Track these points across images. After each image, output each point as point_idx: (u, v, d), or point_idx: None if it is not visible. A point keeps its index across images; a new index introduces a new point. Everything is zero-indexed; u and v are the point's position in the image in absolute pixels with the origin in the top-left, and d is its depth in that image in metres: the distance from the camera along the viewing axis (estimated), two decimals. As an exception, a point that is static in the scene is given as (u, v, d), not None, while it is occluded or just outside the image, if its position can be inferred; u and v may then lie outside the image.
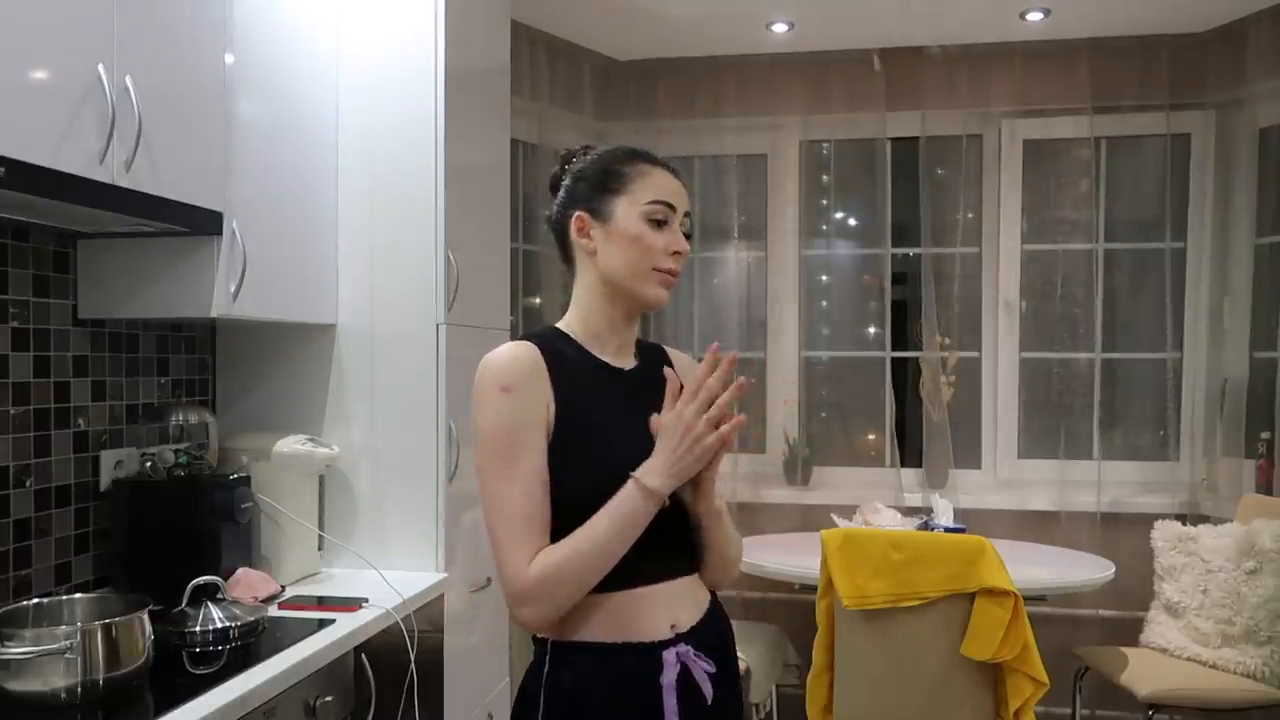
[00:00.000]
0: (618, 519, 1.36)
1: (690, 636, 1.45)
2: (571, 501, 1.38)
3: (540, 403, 1.41)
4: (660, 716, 1.40)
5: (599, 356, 1.51)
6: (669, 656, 1.41)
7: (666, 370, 1.43)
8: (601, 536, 1.36)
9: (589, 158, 1.54)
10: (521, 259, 3.91)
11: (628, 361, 1.54)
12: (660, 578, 1.44)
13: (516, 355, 1.43)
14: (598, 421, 1.44)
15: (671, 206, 1.48)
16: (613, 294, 1.50)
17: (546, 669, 1.43)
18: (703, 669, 1.44)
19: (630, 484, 1.37)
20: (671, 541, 1.46)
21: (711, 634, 1.51)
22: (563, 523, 1.39)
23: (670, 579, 1.46)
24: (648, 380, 1.49)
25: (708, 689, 1.44)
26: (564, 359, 1.46)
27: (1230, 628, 3.09)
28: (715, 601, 1.57)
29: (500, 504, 1.38)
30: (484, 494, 1.41)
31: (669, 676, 1.41)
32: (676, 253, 1.47)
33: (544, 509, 1.39)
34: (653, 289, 1.48)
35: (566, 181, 1.54)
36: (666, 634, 1.43)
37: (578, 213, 1.50)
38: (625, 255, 1.47)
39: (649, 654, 1.41)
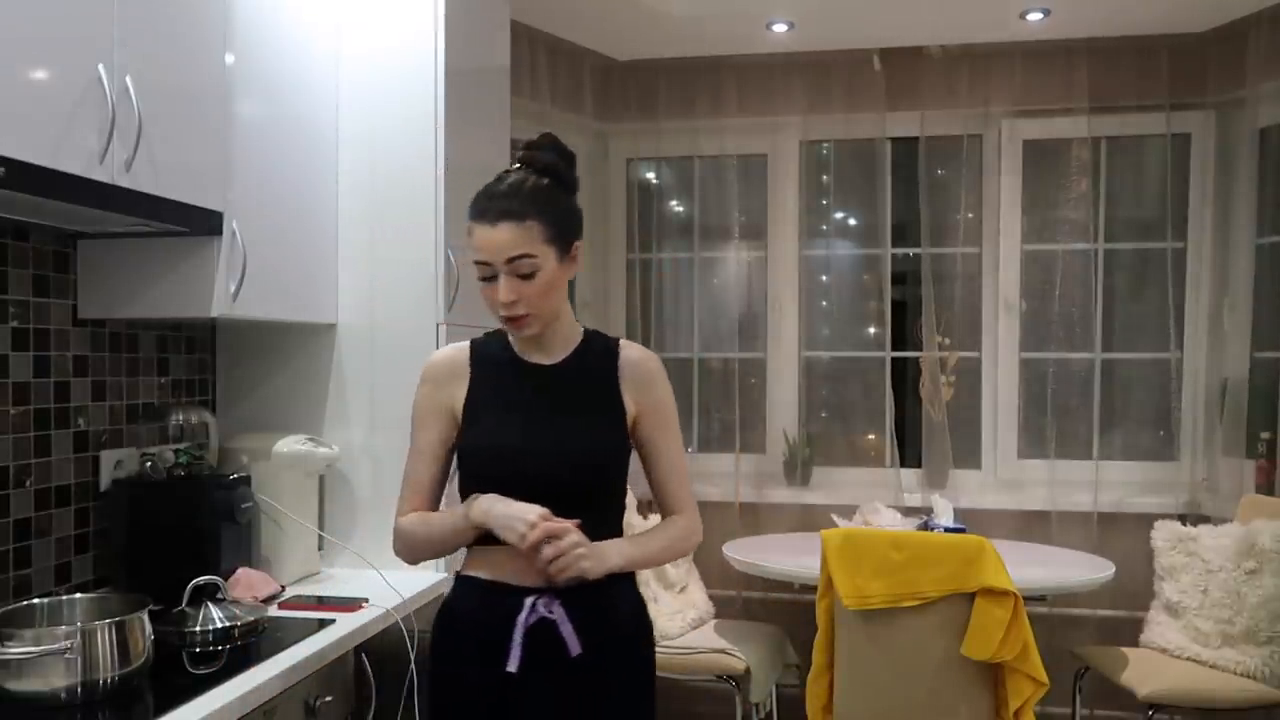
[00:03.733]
0: (446, 525, 1.73)
1: (564, 593, 1.66)
2: (470, 470, 1.73)
3: (447, 395, 1.76)
4: (504, 644, 1.65)
5: (522, 355, 1.76)
6: (528, 600, 1.66)
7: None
8: (435, 530, 1.74)
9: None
10: (521, 259, 3.90)
11: (554, 358, 1.76)
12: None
13: (441, 358, 1.80)
14: (498, 408, 1.73)
15: (487, 263, 1.65)
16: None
17: (447, 593, 1.79)
18: (569, 623, 1.65)
19: (464, 504, 1.69)
20: (555, 514, 1.63)
21: (595, 599, 1.69)
22: (467, 489, 1.72)
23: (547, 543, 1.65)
24: (572, 372, 1.76)
25: (572, 643, 1.65)
26: (487, 357, 1.78)
27: (1230, 628, 3.09)
28: (624, 579, 1.76)
29: (405, 472, 1.79)
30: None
31: (523, 616, 1.66)
32: (505, 302, 1.64)
33: (429, 476, 1.77)
34: (512, 330, 1.71)
35: None
36: (538, 583, 1.66)
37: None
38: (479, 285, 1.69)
39: (514, 595, 1.68)
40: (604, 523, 1.73)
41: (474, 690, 1.69)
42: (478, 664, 1.68)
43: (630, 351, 1.80)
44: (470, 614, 1.72)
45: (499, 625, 1.67)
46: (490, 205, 1.64)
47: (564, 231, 1.68)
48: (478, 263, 1.66)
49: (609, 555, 1.68)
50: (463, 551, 1.78)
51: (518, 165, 1.71)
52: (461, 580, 1.77)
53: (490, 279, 1.65)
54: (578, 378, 1.75)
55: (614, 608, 1.74)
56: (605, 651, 1.70)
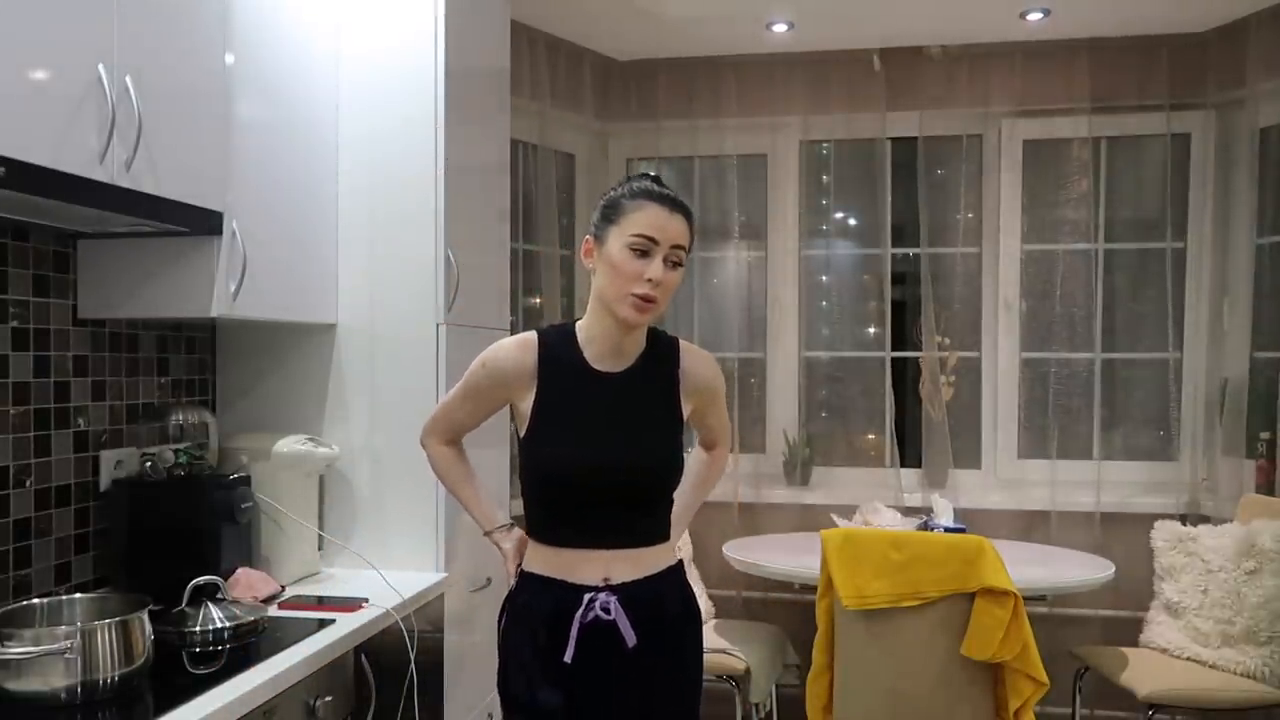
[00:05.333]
0: (466, 499, 2.00)
1: (621, 590, 1.79)
2: (535, 478, 1.82)
3: (508, 393, 1.85)
4: (564, 640, 1.77)
5: (590, 361, 1.83)
6: (587, 597, 1.78)
7: None
8: (457, 491, 2.01)
9: (616, 189, 1.81)
10: (521, 259, 3.91)
11: (620, 365, 1.84)
12: (598, 546, 1.80)
13: (510, 358, 1.84)
14: (565, 420, 1.81)
15: (654, 240, 1.72)
16: (603, 308, 1.79)
17: (513, 586, 1.89)
18: (625, 617, 1.77)
19: (494, 519, 1.98)
20: (615, 525, 1.80)
21: (648, 593, 1.82)
22: (530, 493, 1.85)
23: (608, 548, 1.80)
24: (637, 382, 1.84)
25: (629, 635, 1.77)
26: (558, 360, 1.83)
27: (1230, 628, 3.09)
28: (672, 571, 1.89)
29: (448, 401, 1.97)
30: (454, 387, 1.95)
31: (581, 611, 1.77)
32: (651, 280, 1.72)
33: (463, 422, 1.96)
34: (625, 310, 1.75)
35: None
36: (598, 583, 1.79)
37: (587, 236, 1.81)
38: (608, 278, 1.76)
39: (575, 593, 1.79)
40: (660, 516, 1.88)
41: (538, 677, 1.80)
42: (541, 654, 1.80)
43: (691, 360, 1.91)
44: (534, 607, 1.83)
45: (560, 619, 1.79)
46: (665, 194, 1.76)
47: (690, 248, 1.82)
48: (642, 236, 1.72)
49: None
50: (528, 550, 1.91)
51: (656, 175, 1.84)
52: (526, 576, 1.87)
53: (643, 254, 1.72)
54: (643, 388, 1.85)
55: (666, 600, 1.85)
56: (658, 641, 1.82)
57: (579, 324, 1.85)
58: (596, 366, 1.83)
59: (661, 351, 1.89)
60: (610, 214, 1.77)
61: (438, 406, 2.00)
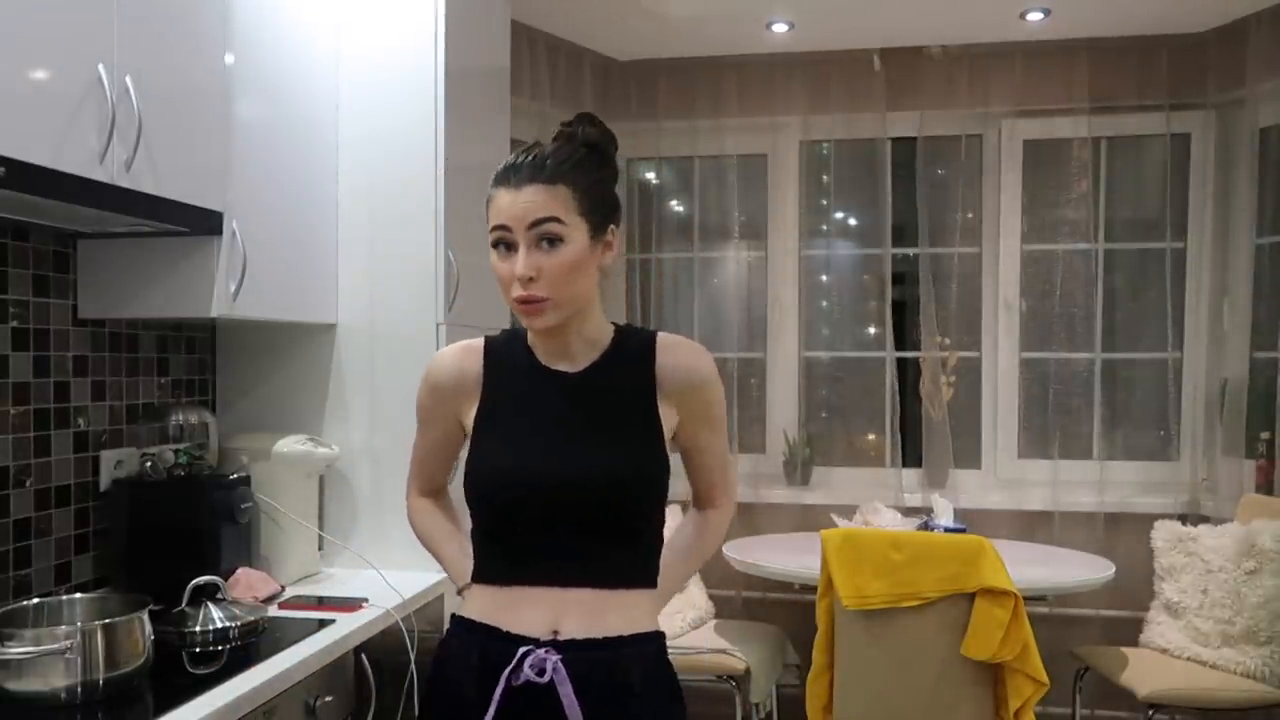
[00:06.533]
0: (439, 558, 1.66)
1: (569, 648, 1.42)
2: (470, 498, 1.51)
3: (452, 409, 1.57)
4: (485, 703, 1.41)
5: (542, 361, 1.53)
6: (521, 651, 1.42)
7: None
8: (426, 547, 1.69)
9: None
10: (521, 259, 3.91)
11: (578, 365, 1.52)
12: (545, 582, 1.45)
13: (448, 366, 1.57)
14: (506, 427, 1.51)
15: (508, 229, 1.42)
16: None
17: (444, 634, 1.56)
18: (569, 684, 1.39)
19: (458, 578, 1.59)
20: (567, 554, 1.45)
21: (607, 660, 1.43)
22: (473, 520, 1.54)
23: (558, 585, 1.45)
24: (598, 381, 1.51)
25: (572, 711, 1.39)
26: (503, 363, 1.55)
27: (1230, 628, 3.09)
28: (646, 639, 1.49)
29: (414, 445, 1.69)
30: None
31: (510, 670, 1.40)
32: (520, 277, 1.40)
33: (435, 463, 1.67)
34: (525, 321, 1.47)
35: None
36: (541, 634, 1.43)
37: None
38: (498, 274, 1.47)
39: (508, 644, 1.43)
40: (633, 550, 1.50)
41: None
42: (463, 717, 1.43)
43: (671, 355, 1.54)
44: (455, 663, 1.48)
45: (487, 675, 1.42)
46: (517, 169, 1.43)
47: (598, 206, 1.45)
48: (495, 229, 1.43)
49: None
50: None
51: (554, 136, 1.50)
52: (455, 621, 1.53)
53: (508, 249, 1.43)
54: (607, 388, 1.50)
55: (632, 674, 1.45)
56: None
57: None
58: (550, 365, 1.52)
59: (632, 348, 1.54)
60: (486, 214, 1.47)
61: (410, 472, 1.72)
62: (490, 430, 1.51)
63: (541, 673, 1.40)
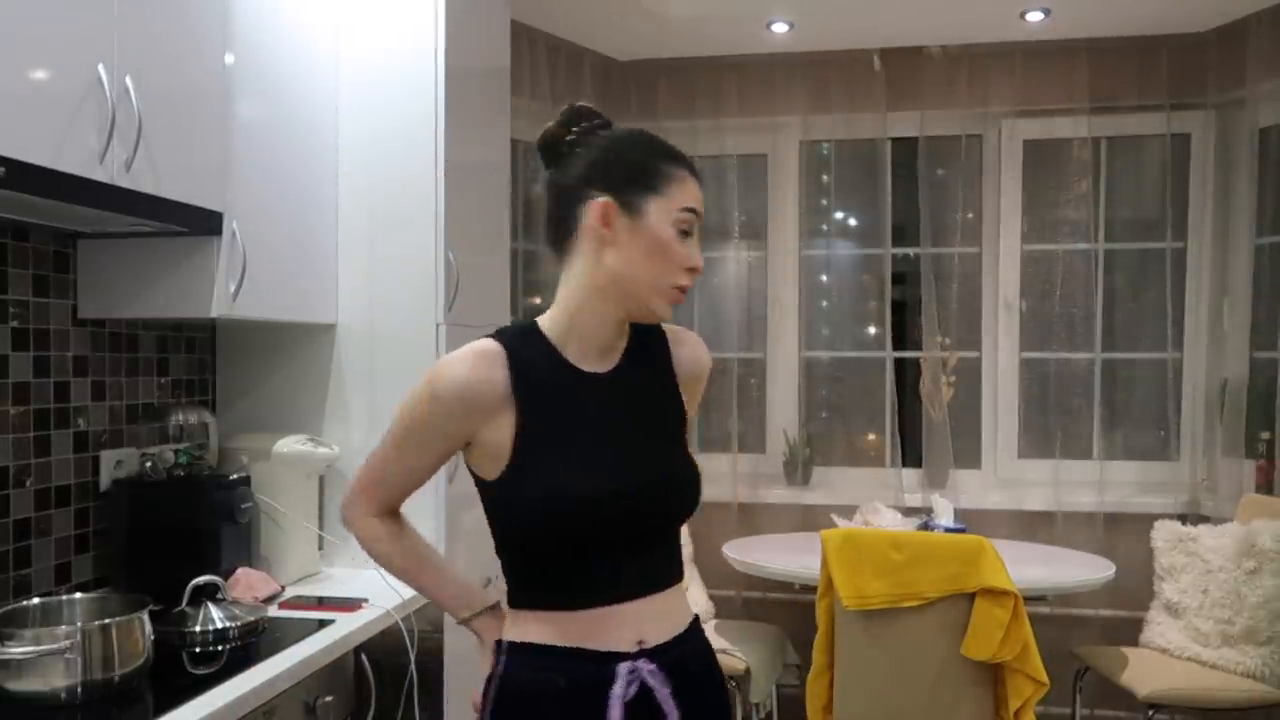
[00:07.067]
0: (425, 589, 1.53)
1: (659, 654, 1.40)
2: (529, 527, 1.37)
3: (472, 426, 1.38)
4: None
5: (573, 362, 1.41)
6: (622, 669, 1.37)
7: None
8: (403, 577, 1.52)
9: (614, 136, 1.42)
10: (521, 259, 3.91)
11: (607, 364, 1.44)
12: (628, 598, 1.40)
13: (472, 380, 1.37)
14: (560, 442, 1.38)
15: (699, 216, 1.39)
16: (618, 295, 1.38)
17: (501, 669, 1.43)
18: (665, 691, 1.39)
19: (463, 609, 1.50)
20: (644, 566, 1.42)
21: (684, 656, 1.44)
22: (520, 547, 1.41)
23: (639, 598, 1.41)
24: (632, 381, 1.45)
25: (671, 712, 1.39)
26: (531, 372, 1.39)
27: (1230, 628, 3.09)
28: (697, 624, 1.51)
29: (378, 457, 1.47)
30: (381, 440, 1.47)
31: (619, 689, 1.36)
32: (695, 269, 1.39)
33: (408, 485, 1.48)
34: (662, 304, 1.39)
35: (586, 154, 1.40)
36: (630, 649, 1.39)
37: (604, 198, 1.36)
38: (648, 260, 1.36)
39: (603, 664, 1.37)
40: (678, 549, 1.50)
41: None
42: None
43: (682, 346, 1.52)
44: (546, 693, 1.39)
45: (580, 699, 1.38)
46: (685, 157, 1.41)
47: None
48: (687, 210, 1.38)
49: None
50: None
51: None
52: (520, 650, 1.42)
53: (686, 234, 1.38)
54: (638, 386, 1.45)
55: (697, 662, 1.48)
56: (699, 713, 1.44)
57: (541, 320, 1.45)
58: (581, 366, 1.42)
59: (647, 340, 1.49)
60: (648, 179, 1.36)
61: (358, 472, 1.50)
62: (546, 450, 1.37)
63: (643, 684, 1.38)
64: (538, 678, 1.39)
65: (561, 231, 1.42)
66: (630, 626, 1.39)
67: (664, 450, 1.45)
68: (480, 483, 1.42)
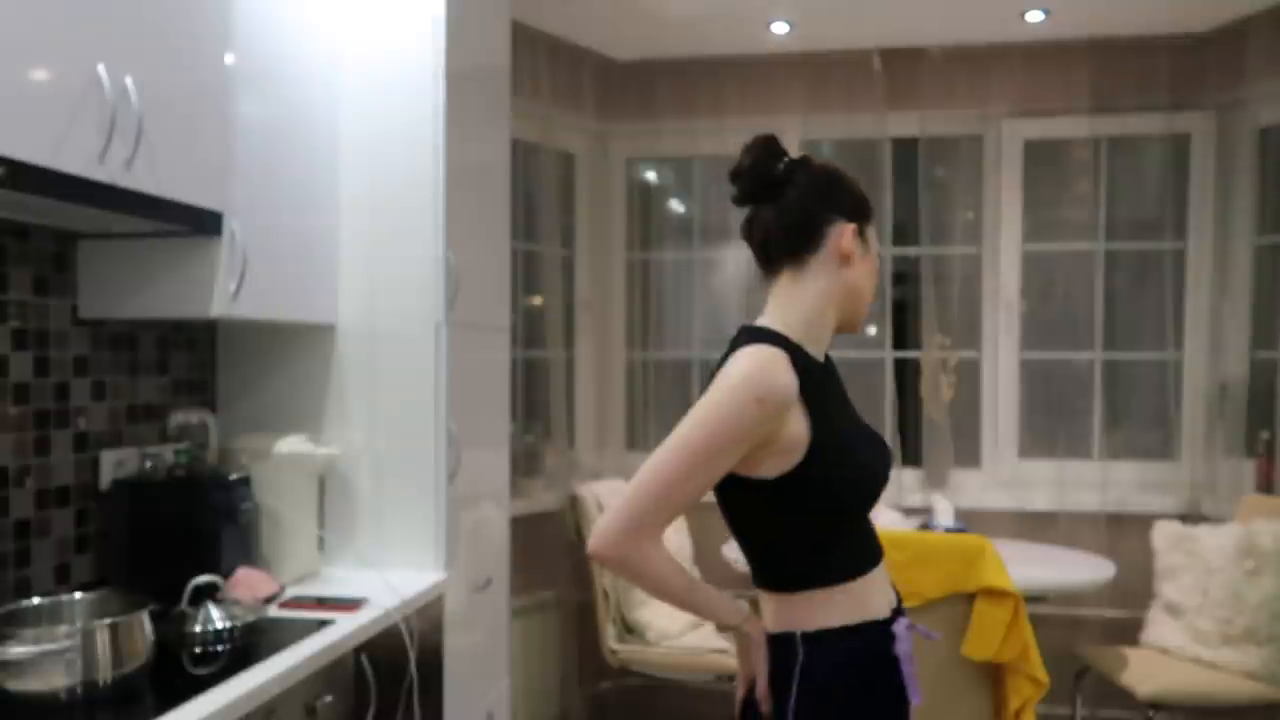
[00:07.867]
0: (698, 605, 1.55)
1: (900, 613, 1.61)
2: (836, 505, 1.52)
3: (776, 425, 1.47)
4: (899, 687, 1.56)
5: (813, 353, 1.60)
6: (899, 628, 1.56)
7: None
8: (675, 598, 1.52)
9: (834, 169, 1.66)
10: (521, 259, 3.91)
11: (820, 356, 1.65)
12: (879, 559, 1.59)
13: (788, 377, 1.48)
14: (843, 421, 1.59)
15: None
16: (849, 306, 1.62)
17: (800, 661, 1.52)
18: (923, 634, 1.65)
19: (736, 615, 1.57)
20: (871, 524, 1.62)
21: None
22: (814, 529, 1.52)
23: (882, 558, 1.61)
24: (836, 371, 1.69)
25: (910, 670, 1.58)
26: (807, 371, 1.53)
27: (1230, 628, 3.09)
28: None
29: (662, 479, 1.45)
30: (663, 453, 1.46)
31: (904, 646, 1.55)
32: None
33: (682, 506, 1.47)
34: (862, 318, 1.66)
35: (815, 181, 1.64)
36: (888, 611, 1.58)
37: (851, 223, 1.60)
38: (870, 280, 1.63)
39: (880, 630, 1.55)
40: None
41: None
42: (894, 715, 1.59)
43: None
44: (855, 673, 1.54)
45: (880, 669, 1.56)
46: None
47: None
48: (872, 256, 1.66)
49: None
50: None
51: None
52: (815, 639, 1.53)
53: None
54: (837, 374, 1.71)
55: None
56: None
57: (771, 325, 1.63)
58: (816, 356, 1.62)
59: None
60: (868, 212, 1.64)
61: (631, 503, 1.45)
62: (835, 437, 1.52)
63: (912, 628, 1.60)
64: (849, 659, 1.53)
65: (806, 248, 1.62)
66: (884, 590, 1.59)
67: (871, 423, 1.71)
68: (754, 483, 1.50)
